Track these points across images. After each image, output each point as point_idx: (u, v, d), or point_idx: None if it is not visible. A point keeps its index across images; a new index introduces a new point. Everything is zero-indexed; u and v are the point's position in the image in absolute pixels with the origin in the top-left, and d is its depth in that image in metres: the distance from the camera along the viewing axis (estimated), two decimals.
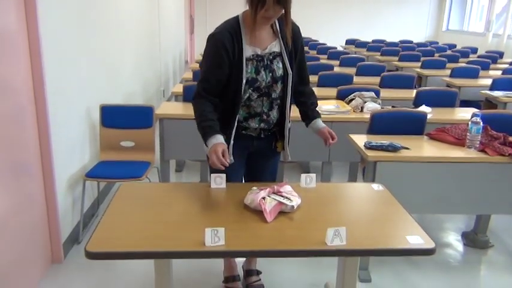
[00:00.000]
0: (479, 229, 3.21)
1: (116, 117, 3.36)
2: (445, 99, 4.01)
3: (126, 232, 1.67)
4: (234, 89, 2.04)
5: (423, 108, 3.69)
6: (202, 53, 2.13)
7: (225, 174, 2.07)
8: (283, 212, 1.83)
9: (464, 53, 8.50)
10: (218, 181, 2.08)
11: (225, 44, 1.98)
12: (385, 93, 4.29)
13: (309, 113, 2.26)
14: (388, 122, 3.12)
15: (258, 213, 1.81)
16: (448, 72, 6.05)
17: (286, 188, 1.96)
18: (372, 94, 3.91)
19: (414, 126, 3.12)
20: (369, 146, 2.71)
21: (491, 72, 6.49)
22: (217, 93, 2.06)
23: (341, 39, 11.37)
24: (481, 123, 2.76)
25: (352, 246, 1.62)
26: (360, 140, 2.85)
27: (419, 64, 6.91)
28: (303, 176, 2.13)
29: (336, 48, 8.68)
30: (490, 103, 4.86)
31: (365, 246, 1.63)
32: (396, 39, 10.94)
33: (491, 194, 2.73)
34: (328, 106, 3.72)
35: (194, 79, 4.86)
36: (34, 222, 2.56)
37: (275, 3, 1.89)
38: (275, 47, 2.09)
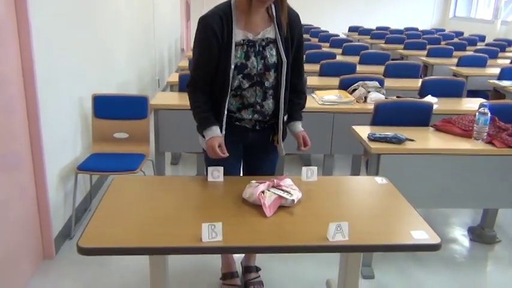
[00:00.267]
0: (486, 224, 3.22)
1: (109, 107, 3.35)
2: (452, 89, 4.00)
3: (119, 227, 1.67)
4: (222, 75, 2.04)
5: (429, 98, 3.68)
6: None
7: (222, 167, 2.07)
8: (283, 207, 1.83)
9: (472, 41, 8.47)
10: (215, 174, 2.08)
11: (213, 27, 1.97)
12: (389, 82, 4.28)
13: (292, 113, 2.26)
14: (393, 112, 3.12)
15: (257, 207, 1.81)
16: (455, 61, 6.04)
17: (287, 182, 1.96)
18: (376, 84, 3.90)
19: (419, 117, 3.12)
20: (373, 138, 2.71)
21: (499, 61, 6.48)
22: (210, 80, 2.07)
23: (344, 26, 11.32)
24: (489, 114, 2.76)
25: (355, 242, 1.62)
26: (363, 131, 2.85)
27: (425, 52, 6.89)
28: (304, 169, 2.13)
29: (339, 35, 8.65)
30: (498, 93, 4.85)
31: (368, 242, 1.64)
32: (401, 27, 10.90)
33: (499, 187, 2.74)
34: (330, 96, 3.71)
35: (190, 67, 4.83)
36: (24, 217, 2.56)
37: None
38: (269, 33, 2.07)
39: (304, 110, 2.32)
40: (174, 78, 4.34)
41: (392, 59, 5.66)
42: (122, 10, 4.57)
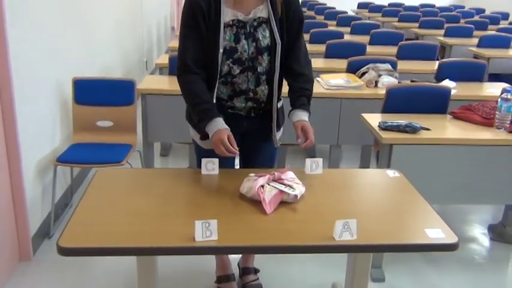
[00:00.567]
0: (508, 221, 3.23)
1: (91, 92, 3.34)
2: (472, 72, 3.99)
3: (104, 225, 1.67)
4: (210, 60, 2.03)
5: (446, 82, 3.68)
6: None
7: (217, 159, 2.07)
8: (284, 203, 1.84)
9: (494, 19, 8.46)
10: (210, 167, 2.08)
11: (200, 4, 1.97)
12: (403, 65, 4.27)
13: (293, 101, 2.15)
14: (406, 98, 3.11)
15: (256, 203, 1.82)
16: (476, 41, 6.03)
17: (289, 175, 1.96)
18: (388, 66, 3.89)
19: (436, 103, 3.12)
20: (384, 127, 2.71)
21: None
22: (203, 63, 2.05)
23: (352, 2, 11.28)
24: None
25: (364, 241, 1.62)
26: (374, 119, 2.85)
27: (442, 32, 6.88)
28: (308, 161, 2.13)
29: (346, 12, 8.63)
30: None
31: (378, 241, 1.64)
32: (416, 3, 10.87)
33: None
34: (337, 80, 3.70)
35: (179, 52, 4.80)
36: None
37: None
38: (262, 11, 2.05)
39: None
40: (164, 59, 4.32)
41: (406, 39, 5.65)
42: None
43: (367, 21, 7.38)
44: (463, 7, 10.81)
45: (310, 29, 5.73)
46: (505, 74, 5.27)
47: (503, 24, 8.01)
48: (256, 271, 2.59)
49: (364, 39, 5.47)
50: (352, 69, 4.00)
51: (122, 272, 2.70)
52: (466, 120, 2.93)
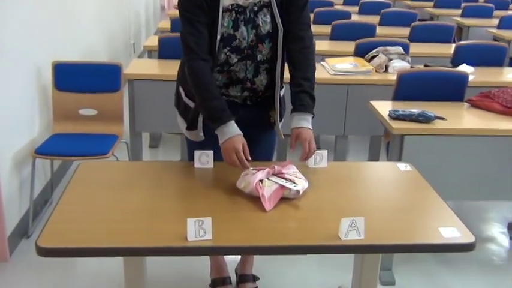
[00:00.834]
0: None
1: (72, 78, 3.33)
2: (491, 56, 3.99)
3: (87, 223, 1.67)
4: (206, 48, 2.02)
5: (463, 67, 3.67)
6: None
7: (211, 151, 2.07)
8: (285, 199, 1.84)
9: None
10: (204, 159, 2.08)
11: None
12: (416, 48, 4.26)
13: (293, 97, 2.09)
14: (420, 84, 3.11)
15: (254, 200, 1.82)
16: (496, 22, 6.01)
17: (290, 169, 1.96)
18: (400, 49, 3.88)
19: (452, 90, 3.12)
20: (395, 116, 2.71)
21: None
22: (207, 47, 2.02)
23: None
24: None
25: (372, 241, 1.62)
26: (384, 107, 2.85)
27: (459, 12, 6.86)
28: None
29: None
30: None
31: (388, 241, 1.64)
32: None
33: None
34: (343, 65, 3.69)
35: (173, 29, 4.80)
36: None
37: None
38: None
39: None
40: (153, 42, 4.30)
41: (420, 20, 5.63)
42: None
43: (377, 0, 7.35)
44: None
45: (314, 8, 5.71)
46: None
47: None
48: (255, 278, 2.59)
49: (374, 19, 5.45)
50: (360, 52, 3.99)
51: (107, 274, 2.70)
52: (485, 109, 2.93)
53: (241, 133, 1.98)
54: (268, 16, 2.05)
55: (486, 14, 6.74)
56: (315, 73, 2.15)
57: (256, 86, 2.15)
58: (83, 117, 3.35)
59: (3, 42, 2.76)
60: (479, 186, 2.76)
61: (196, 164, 2.08)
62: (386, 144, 3.06)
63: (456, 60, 3.93)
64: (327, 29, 4.92)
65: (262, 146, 2.30)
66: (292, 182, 1.86)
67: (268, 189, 1.81)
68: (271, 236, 1.64)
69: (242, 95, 2.17)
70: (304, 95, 2.07)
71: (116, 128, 3.32)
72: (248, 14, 2.02)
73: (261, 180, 1.84)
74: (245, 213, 1.75)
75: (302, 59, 2.12)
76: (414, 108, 2.76)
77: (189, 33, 2.01)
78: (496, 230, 3.35)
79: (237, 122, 2.03)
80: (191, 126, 2.16)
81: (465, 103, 3.04)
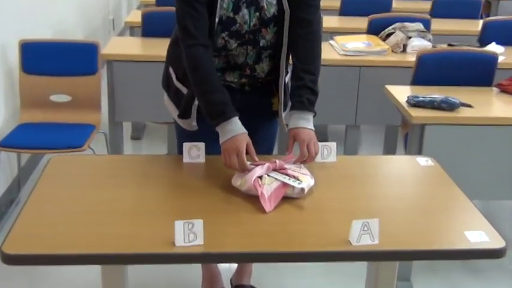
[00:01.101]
0: None
1: (43, 59, 3.33)
2: None
3: (60, 226, 1.66)
4: None
5: (492, 47, 3.67)
6: None
7: (203, 143, 2.07)
8: (288, 198, 1.83)
9: None
10: (194, 153, 2.08)
11: None
12: (438, 24, 4.27)
13: (292, 91, 2.12)
14: (442, 67, 3.12)
15: (252, 199, 1.81)
16: None
17: (293, 164, 1.96)
18: (420, 26, 3.88)
19: (479, 73, 3.12)
20: (414, 103, 2.71)
21: None
22: (207, 29, 2.01)
23: None
24: None
25: (388, 247, 1.62)
26: (401, 93, 2.85)
27: None
28: (319, 145, 2.13)
29: None
30: None
31: (406, 247, 1.64)
32: None
33: None
34: (354, 44, 3.69)
35: (158, 3, 4.79)
36: None
37: None
38: None
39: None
40: (136, 17, 4.29)
41: None
42: None
43: None
44: None
45: None
46: None
47: None
48: None
49: None
50: (374, 29, 4.00)
51: (83, 284, 2.71)
52: None
53: (246, 131, 1.97)
54: None
55: None
56: (321, 61, 2.14)
57: (257, 74, 2.15)
58: (54, 105, 3.35)
59: None
60: (511, 183, 2.76)
61: (185, 159, 2.08)
62: (404, 136, 3.06)
63: (484, 39, 3.94)
64: (336, 3, 4.92)
65: (262, 136, 2.30)
66: (296, 178, 1.86)
67: (268, 187, 1.81)
68: (271, 241, 1.64)
69: (240, 81, 2.17)
70: (304, 91, 2.07)
71: (92, 116, 3.32)
72: None
73: (260, 177, 1.84)
74: (242, 215, 1.75)
75: (306, 47, 2.12)
76: (436, 93, 2.76)
77: (187, 13, 1.99)
78: None
79: (236, 109, 2.02)
80: (183, 114, 2.15)
81: (494, 88, 3.05)
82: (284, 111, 2.23)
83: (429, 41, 3.79)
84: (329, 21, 4.43)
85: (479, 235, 1.68)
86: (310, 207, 1.82)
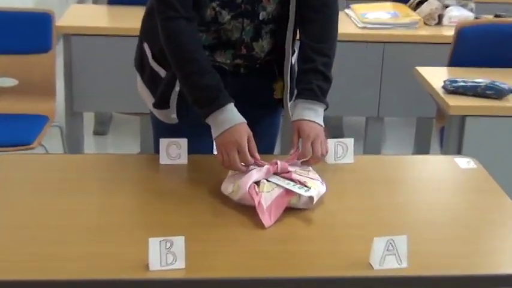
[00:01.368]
0: None
1: None
2: None
3: (5, 246, 1.66)
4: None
5: None
6: None
7: (185, 139, 2.07)
8: (293, 209, 1.83)
9: None
10: (173, 152, 2.08)
11: None
12: None
13: (298, 75, 2.14)
14: (487, 43, 3.14)
15: (247, 211, 1.81)
16: None
17: (299, 165, 1.96)
18: None
19: None
20: (452, 89, 2.71)
21: None
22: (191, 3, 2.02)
23: None
24: None
25: (419, 272, 1.62)
26: (436, 76, 2.86)
27: None
28: (331, 143, 2.14)
29: None
30: None
31: (441, 271, 1.64)
32: None
33: None
34: (377, 14, 3.70)
35: None
36: None
37: None
38: None
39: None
40: None
41: None
42: None
43: None
44: None
45: None
46: None
47: None
48: None
49: None
50: None
51: None
52: None
53: (245, 120, 1.97)
54: None
55: None
56: (337, 40, 2.14)
57: (255, 53, 2.16)
58: None
59: None
60: None
61: (162, 159, 2.08)
62: (439, 130, 3.06)
63: None
64: None
65: (261, 131, 2.29)
66: (303, 184, 1.86)
67: (267, 196, 1.81)
68: (271, 264, 1.64)
69: (233, 62, 2.17)
70: (314, 76, 2.07)
71: (44, 105, 3.32)
72: None
73: (257, 183, 1.84)
74: (233, 231, 1.75)
75: (320, 23, 2.13)
76: (480, 77, 2.76)
77: None
78: None
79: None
80: (160, 104, 2.15)
81: None
82: (290, 100, 2.23)
83: (471, 11, 3.79)
84: None
85: None
86: (320, 221, 1.82)
